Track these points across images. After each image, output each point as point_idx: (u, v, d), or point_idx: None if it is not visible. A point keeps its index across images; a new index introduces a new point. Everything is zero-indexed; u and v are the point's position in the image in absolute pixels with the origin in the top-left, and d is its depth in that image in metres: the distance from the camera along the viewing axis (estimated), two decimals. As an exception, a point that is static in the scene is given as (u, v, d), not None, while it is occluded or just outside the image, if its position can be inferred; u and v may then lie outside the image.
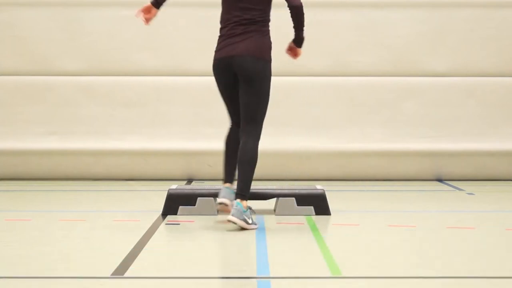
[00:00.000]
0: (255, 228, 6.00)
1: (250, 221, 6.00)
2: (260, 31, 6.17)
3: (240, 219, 5.95)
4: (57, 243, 5.53)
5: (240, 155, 6.12)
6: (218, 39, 6.30)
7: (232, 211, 5.99)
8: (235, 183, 6.18)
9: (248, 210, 6.04)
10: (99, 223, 6.49)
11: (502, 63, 9.67)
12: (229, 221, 5.96)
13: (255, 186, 6.90)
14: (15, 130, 9.58)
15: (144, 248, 5.29)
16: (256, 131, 6.18)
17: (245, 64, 6.11)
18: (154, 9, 6.20)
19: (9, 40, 9.58)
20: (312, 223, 6.34)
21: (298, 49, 6.29)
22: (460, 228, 6.16)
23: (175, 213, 6.71)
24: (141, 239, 5.61)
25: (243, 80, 6.16)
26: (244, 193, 6.05)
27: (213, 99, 9.59)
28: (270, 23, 6.25)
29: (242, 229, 5.96)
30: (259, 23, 6.17)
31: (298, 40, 6.25)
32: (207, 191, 6.81)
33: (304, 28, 6.20)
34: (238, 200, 6.03)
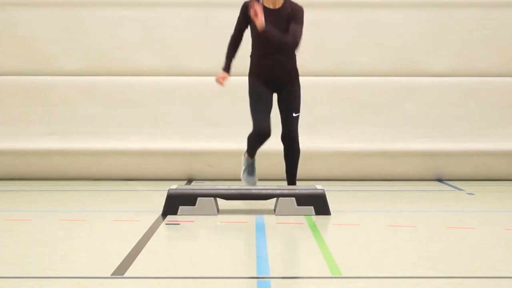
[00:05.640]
0: None
1: None
2: None
3: None
4: (57, 243, 5.53)
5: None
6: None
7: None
8: None
9: None
10: (99, 223, 6.50)
11: (502, 63, 9.67)
12: None
13: (255, 186, 6.90)
14: (15, 130, 9.58)
15: (144, 248, 5.29)
16: None
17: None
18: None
19: (10, 40, 9.58)
20: (312, 223, 6.34)
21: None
22: (460, 228, 6.16)
23: (175, 213, 6.71)
24: (141, 239, 5.61)
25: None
26: None
27: (213, 99, 9.61)
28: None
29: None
30: None
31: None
32: (207, 191, 6.81)
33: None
34: None
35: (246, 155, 7.36)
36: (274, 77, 7.04)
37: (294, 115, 7.10)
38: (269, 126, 7.03)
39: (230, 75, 7.15)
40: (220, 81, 7.13)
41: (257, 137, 7.09)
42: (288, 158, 7.18)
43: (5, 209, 7.41)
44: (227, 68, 7.16)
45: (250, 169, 7.34)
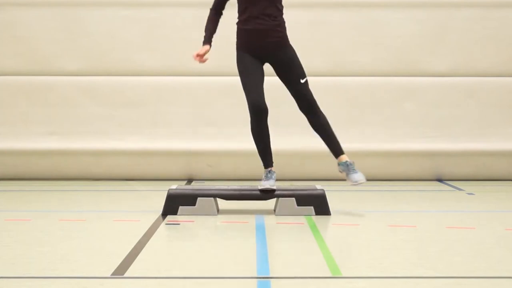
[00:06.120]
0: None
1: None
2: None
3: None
4: (57, 243, 5.53)
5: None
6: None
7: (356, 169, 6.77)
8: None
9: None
10: (99, 223, 6.50)
11: (502, 63, 9.68)
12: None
13: (255, 186, 6.90)
14: (15, 130, 9.58)
15: (144, 248, 5.29)
16: None
17: None
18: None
19: (9, 40, 9.58)
20: (312, 223, 6.34)
21: None
22: (460, 228, 6.16)
23: (175, 213, 6.71)
24: (141, 239, 5.62)
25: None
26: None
27: (213, 99, 9.62)
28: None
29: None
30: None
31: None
32: (207, 191, 6.81)
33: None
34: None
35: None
36: (261, 43, 6.66)
37: (301, 81, 6.74)
38: (262, 100, 6.62)
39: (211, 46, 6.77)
40: (195, 58, 6.70)
41: (253, 116, 6.66)
42: (318, 129, 6.86)
43: (5, 209, 7.41)
44: (208, 40, 6.76)
45: (265, 175, 6.81)
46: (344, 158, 6.88)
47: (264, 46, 6.70)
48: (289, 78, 6.76)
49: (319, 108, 6.82)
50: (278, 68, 6.78)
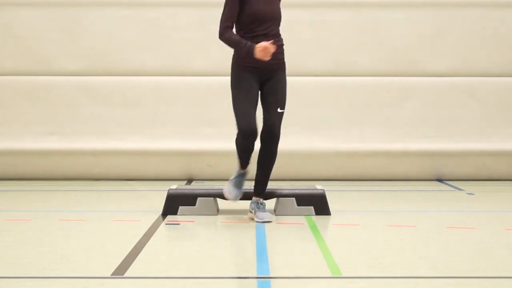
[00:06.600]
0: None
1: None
2: None
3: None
4: (57, 243, 5.54)
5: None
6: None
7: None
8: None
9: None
10: (99, 223, 6.50)
11: (502, 63, 9.68)
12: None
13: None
14: (15, 130, 9.58)
15: (144, 248, 5.29)
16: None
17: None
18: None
19: (9, 40, 9.58)
20: (312, 223, 6.34)
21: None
22: (460, 228, 6.16)
23: (175, 213, 6.71)
24: (141, 239, 5.62)
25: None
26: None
27: (213, 99, 9.61)
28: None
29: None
30: None
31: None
32: (207, 191, 6.81)
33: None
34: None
35: (238, 165, 6.54)
36: (266, 63, 6.29)
37: (279, 110, 6.40)
38: (254, 124, 6.30)
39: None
40: (271, 48, 6.21)
41: (242, 138, 6.33)
42: (264, 162, 6.46)
43: (5, 209, 7.41)
44: (250, 43, 6.29)
45: (238, 180, 6.52)
46: (260, 199, 6.55)
47: (263, 67, 6.35)
48: (272, 103, 6.41)
49: (277, 145, 6.43)
50: (265, 90, 6.44)
